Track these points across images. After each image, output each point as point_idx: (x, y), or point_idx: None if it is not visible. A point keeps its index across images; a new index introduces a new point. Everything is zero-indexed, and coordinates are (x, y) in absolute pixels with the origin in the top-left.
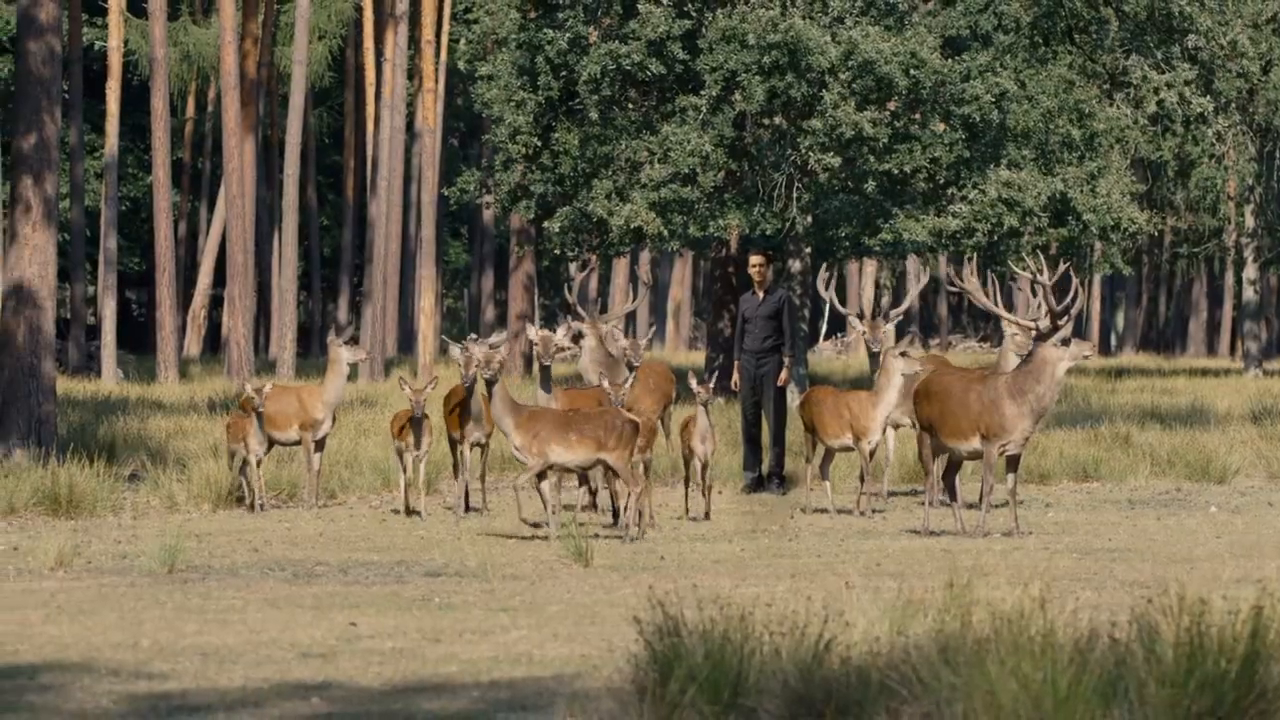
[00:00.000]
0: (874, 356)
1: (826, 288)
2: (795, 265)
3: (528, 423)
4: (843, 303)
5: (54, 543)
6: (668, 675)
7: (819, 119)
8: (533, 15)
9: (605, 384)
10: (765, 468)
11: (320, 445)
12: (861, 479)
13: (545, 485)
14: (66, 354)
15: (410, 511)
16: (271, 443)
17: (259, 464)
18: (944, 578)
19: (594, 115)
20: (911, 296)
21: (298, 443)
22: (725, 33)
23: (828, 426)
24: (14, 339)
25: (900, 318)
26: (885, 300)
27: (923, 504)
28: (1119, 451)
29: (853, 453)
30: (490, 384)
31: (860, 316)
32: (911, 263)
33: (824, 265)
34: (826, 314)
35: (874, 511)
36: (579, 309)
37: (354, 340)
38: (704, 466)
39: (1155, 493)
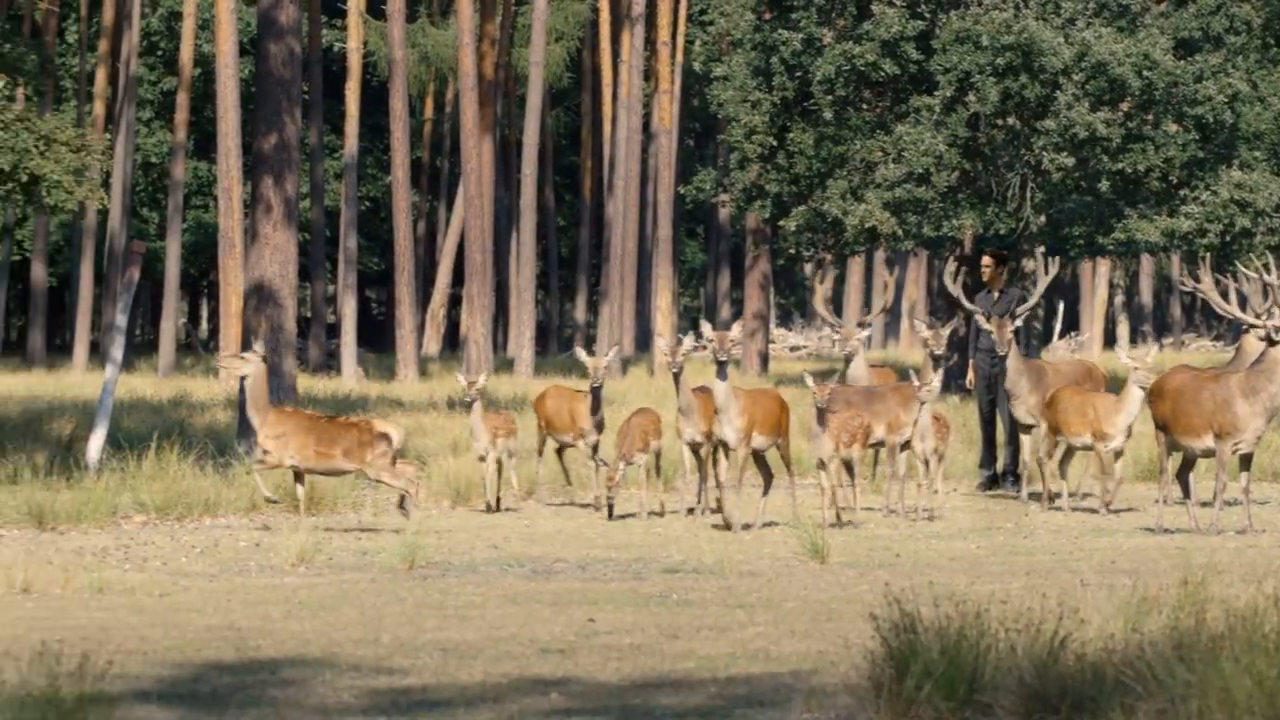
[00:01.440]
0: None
1: (954, 280)
2: (1029, 265)
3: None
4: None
5: (295, 539)
6: (904, 672)
7: (1052, 119)
8: (767, 16)
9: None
10: (1000, 465)
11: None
12: (1103, 477)
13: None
14: (307, 352)
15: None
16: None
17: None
18: (1178, 575)
19: (828, 115)
20: (1038, 295)
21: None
22: (959, 34)
23: (1071, 424)
24: (256, 337)
25: (1026, 314)
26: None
27: (1156, 502)
28: None
29: (1076, 451)
30: (676, 376)
31: (988, 317)
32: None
33: (949, 259)
34: (1060, 313)
35: (1110, 509)
36: (825, 314)
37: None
38: (927, 463)
39: None
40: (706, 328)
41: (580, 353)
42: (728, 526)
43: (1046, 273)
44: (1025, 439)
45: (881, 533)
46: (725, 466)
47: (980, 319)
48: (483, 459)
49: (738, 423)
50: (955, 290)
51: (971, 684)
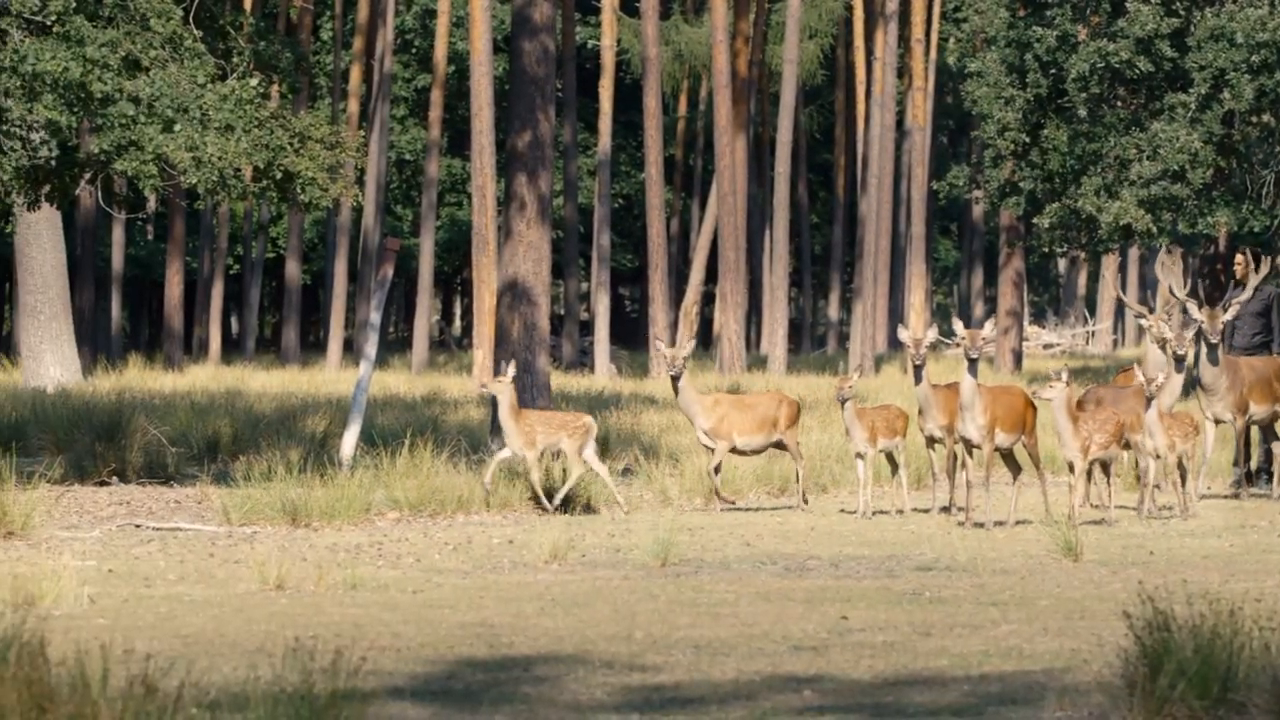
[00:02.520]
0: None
1: (1171, 272)
2: None
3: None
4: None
5: (549, 536)
6: (1157, 670)
7: None
8: (1021, 13)
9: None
10: (1254, 463)
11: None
12: None
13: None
14: (560, 349)
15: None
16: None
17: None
18: None
19: (1082, 112)
20: (1249, 290)
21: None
22: (1214, 31)
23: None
24: (509, 334)
25: (1238, 307)
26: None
27: None
28: None
29: None
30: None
31: (1200, 306)
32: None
33: (1181, 254)
34: None
35: None
36: (1129, 302)
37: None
38: (1160, 459)
39: None
40: (959, 325)
41: (659, 344)
42: (978, 525)
43: (1264, 269)
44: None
45: (1135, 530)
46: (972, 465)
47: (1192, 308)
48: (860, 456)
49: (980, 420)
50: (1170, 283)
51: (1225, 683)
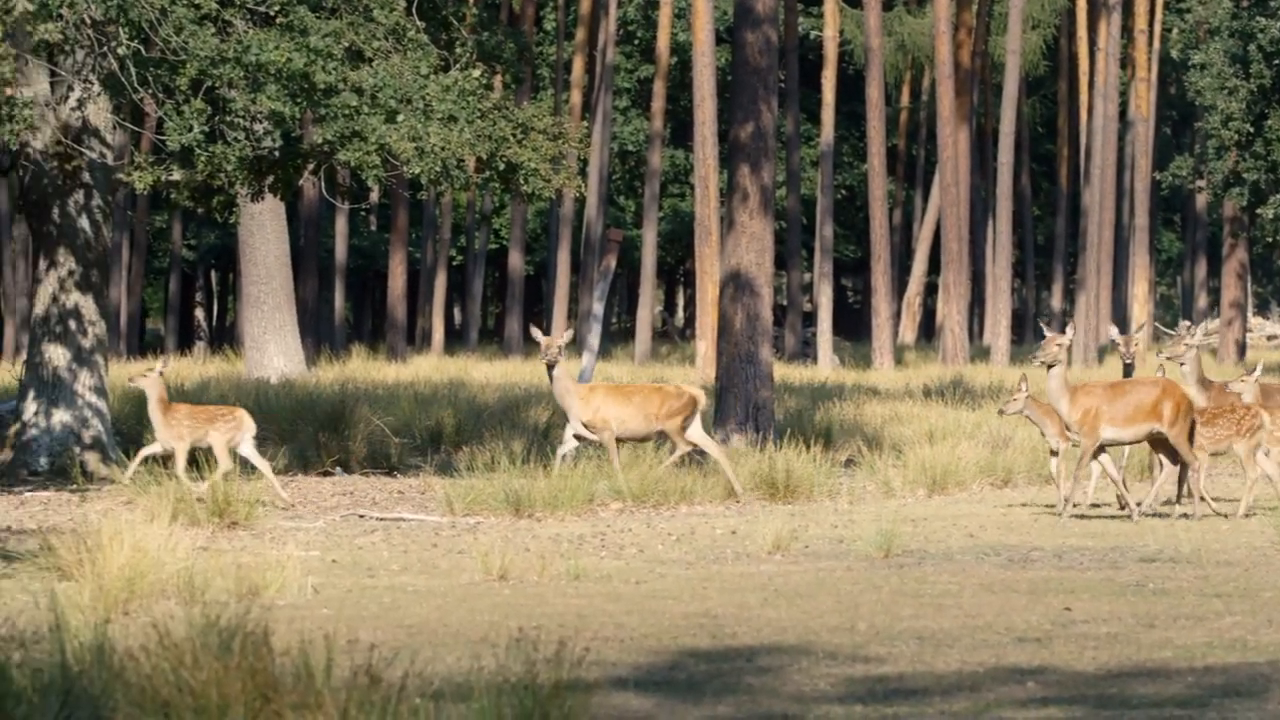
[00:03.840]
0: None
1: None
2: None
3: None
4: None
5: (771, 527)
6: None
7: None
8: (1245, 4)
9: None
10: None
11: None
12: None
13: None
14: (783, 340)
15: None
16: None
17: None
18: None
19: None
20: None
21: None
22: None
23: None
24: (732, 326)
25: None
26: None
27: None
28: None
29: None
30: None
31: None
32: None
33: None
34: None
35: None
36: None
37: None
38: None
39: None
40: (1113, 330)
41: (535, 331)
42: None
43: None
44: None
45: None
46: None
47: None
48: (1054, 454)
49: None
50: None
51: None
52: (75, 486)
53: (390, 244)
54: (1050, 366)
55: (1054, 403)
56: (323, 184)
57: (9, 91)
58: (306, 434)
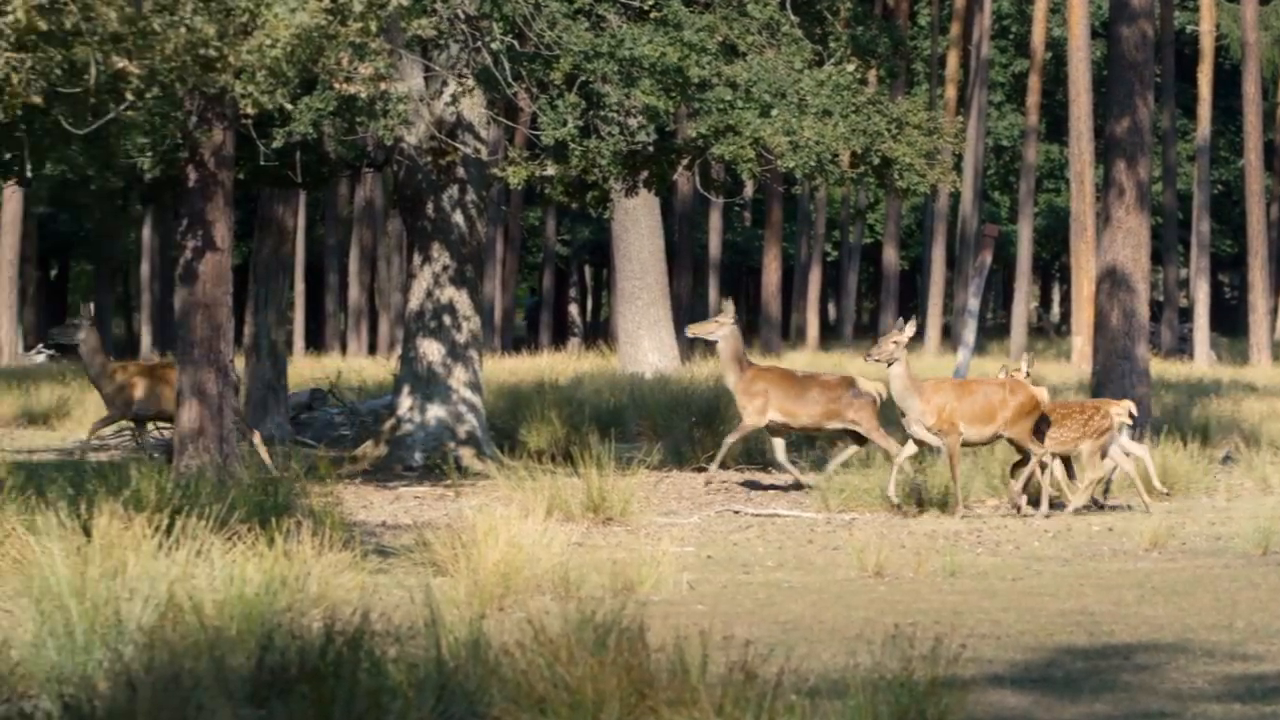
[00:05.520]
0: None
1: None
2: None
3: None
4: None
5: (1149, 524)
6: None
7: None
8: None
9: None
10: None
11: None
12: None
13: None
14: (1159, 336)
15: None
16: None
17: None
18: None
19: None
20: None
21: None
22: None
23: None
24: (1108, 322)
25: None
26: None
27: None
28: None
29: None
30: None
31: None
32: None
33: None
34: None
35: None
36: None
37: None
38: None
39: None
40: (900, 322)
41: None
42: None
43: None
44: None
45: None
46: None
47: None
48: None
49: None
50: None
51: None
52: (449, 482)
53: (764, 239)
54: (890, 365)
55: (900, 402)
56: (697, 178)
57: (383, 86)
58: (680, 430)
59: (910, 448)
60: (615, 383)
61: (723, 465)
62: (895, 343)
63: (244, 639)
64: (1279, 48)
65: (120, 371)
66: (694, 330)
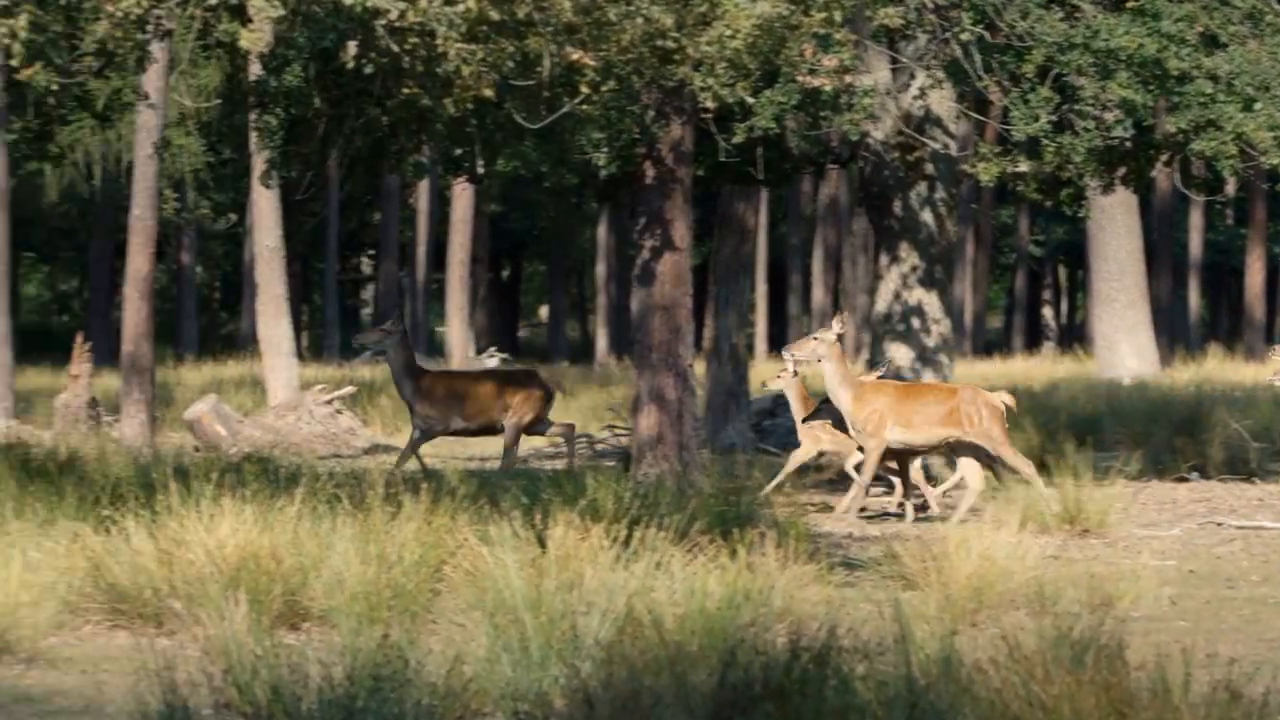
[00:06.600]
0: None
1: None
2: None
3: None
4: None
5: None
6: None
7: None
8: None
9: None
10: None
11: None
12: None
13: None
14: None
15: None
16: None
17: None
18: None
19: None
20: None
21: None
22: None
23: None
24: None
25: None
26: None
27: None
28: None
29: None
30: None
31: None
32: None
33: None
34: None
35: None
36: None
37: None
38: None
39: None
40: (836, 319)
41: None
42: None
43: None
44: None
45: None
46: None
47: None
48: None
49: None
50: None
51: None
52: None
53: (1247, 239)
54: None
55: (835, 400)
56: (1177, 175)
57: (848, 79)
58: (1160, 438)
59: None
60: (1091, 388)
61: (1204, 475)
62: (817, 340)
63: (705, 655)
64: None
65: (437, 383)
66: None
